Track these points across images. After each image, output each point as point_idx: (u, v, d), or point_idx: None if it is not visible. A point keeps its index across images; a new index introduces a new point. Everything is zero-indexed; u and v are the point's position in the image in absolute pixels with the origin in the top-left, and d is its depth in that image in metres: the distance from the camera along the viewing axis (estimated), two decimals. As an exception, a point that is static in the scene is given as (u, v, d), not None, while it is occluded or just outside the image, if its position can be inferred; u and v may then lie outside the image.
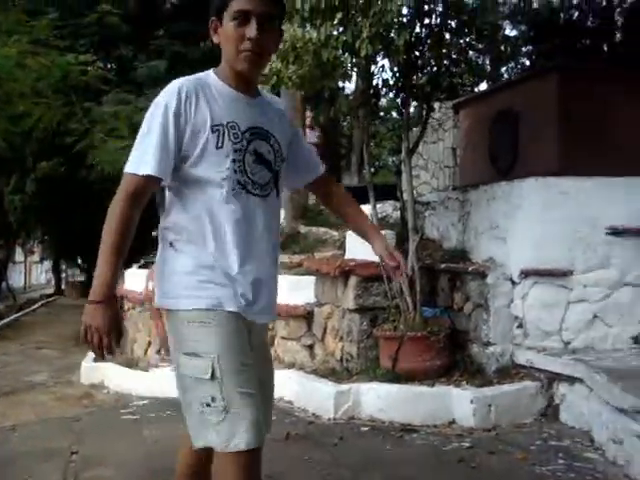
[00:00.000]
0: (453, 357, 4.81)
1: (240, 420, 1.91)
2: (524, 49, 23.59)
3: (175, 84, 2.04)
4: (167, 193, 2.13)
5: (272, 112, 2.21)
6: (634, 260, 4.60)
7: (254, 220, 2.10)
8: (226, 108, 2.06)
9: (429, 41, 5.24)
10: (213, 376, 1.93)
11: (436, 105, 7.55)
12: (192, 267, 2.03)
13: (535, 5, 24.34)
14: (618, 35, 24.27)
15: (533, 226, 4.65)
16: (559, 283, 4.56)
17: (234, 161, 2.03)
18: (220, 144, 2.01)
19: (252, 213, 2.09)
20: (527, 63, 22.55)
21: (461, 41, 5.49)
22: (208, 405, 1.93)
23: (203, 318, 1.99)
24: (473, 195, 5.34)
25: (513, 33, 24.10)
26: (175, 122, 1.98)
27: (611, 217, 4.59)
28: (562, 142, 4.88)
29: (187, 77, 2.08)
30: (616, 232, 4.58)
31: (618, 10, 24.26)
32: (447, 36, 5.37)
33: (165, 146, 1.98)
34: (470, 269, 4.88)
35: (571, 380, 4.20)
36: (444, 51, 5.32)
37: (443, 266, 5.22)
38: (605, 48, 23.95)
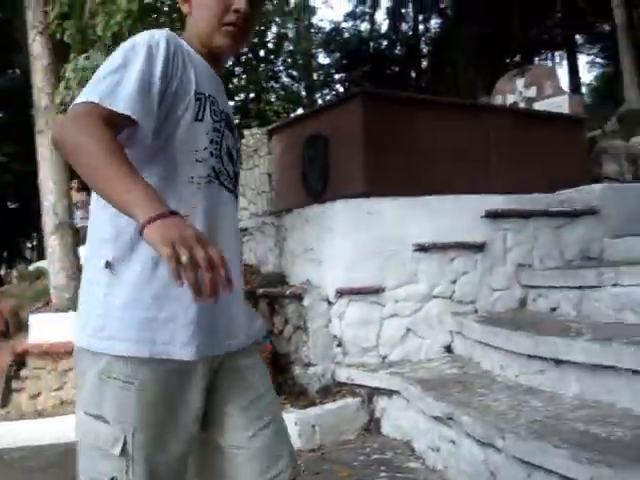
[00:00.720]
0: (276, 381, 4.81)
1: None
2: (337, 76, 24.64)
3: (159, 32, 1.59)
4: None
5: None
6: (440, 274, 4.84)
7: (224, 219, 1.66)
8: (205, 80, 1.65)
9: (238, 69, 5.27)
10: (123, 452, 1.47)
11: (252, 131, 7.63)
12: (135, 298, 1.48)
13: (346, 35, 25.48)
14: (424, 63, 25.94)
15: (345, 247, 4.78)
16: (372, 300, 4.71)
17: (212, 142, 1.62)
18: (200, 116, 1.59)
19: (223, 210, 1.65)
20: (341, 90, 23.55)
21: (275, 69, 5.57)
22: None
23: (129, 375, 1.48)
24: (288, 219, 5.41)
25: (326, 61, 25.12)
26: (163, 71, 1.52)
27: (417, 234, 4.81)
28: (368, 165, 5.06)
29: (163, 30, 1.64)
30: (423, 248, 4.80)
31: (423, 39, 25.95)
32: (257, 64, 5.42)
33: (147, 89, 1.49)
34: (287, 292, 4.93)
35: (389, 393, 4.33)
36: (254, 79, 5.36)
37: (262, 291, 5.25)
38: (413, 75, 25.46)
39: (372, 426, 4.46)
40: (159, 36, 1.56)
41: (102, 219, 1.55)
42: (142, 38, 1.55)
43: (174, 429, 1.55)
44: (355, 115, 5.25)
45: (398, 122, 5.29)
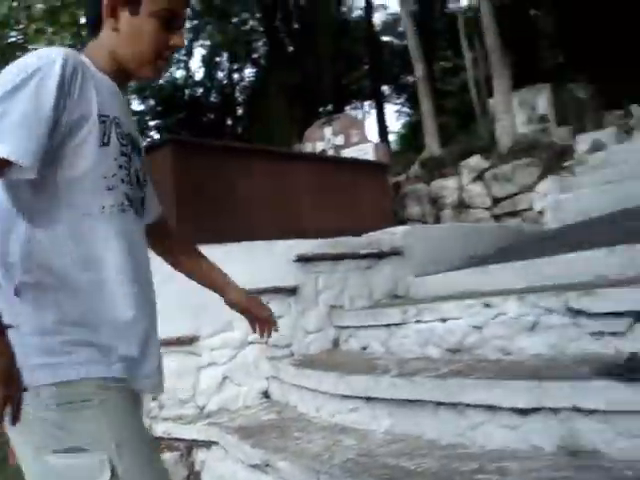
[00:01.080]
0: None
1: None
2: (152, 123, 24.43)
3: (56, 51, 1.43)
4: (7, 205, 1.45)
5: None
6: (255, 319, 4.85)
7: (140, 249, 1.62)
8: (109, 101, 1.53)
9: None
10: (113, 476, 1.34)
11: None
12: (52, 323, 1.38)
13: (160, 81, 25.38)
14: (240, 111, 26.34)
15: (159, 297, 4.66)
16: (188, 350, 4.62)
17: (120, 167, 1.52)
18: (106, 140, 1.47)
19: (138, 239, 1.61)
20: (156, 137, 23.36)
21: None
22: None
23: (82, 394, 1.37)
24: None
25: (141, 107, 24.85)
26: (57, 96, 1.37)
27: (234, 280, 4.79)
28: (179, 213, 5.04)
29: (61, 48, 1.48)
30: (237, 294, 4.79)
31: (238, 88, 26.40)
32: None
33: (36, 121, 1.34)
34: (99, 347, 4.73)
35: (208, 444, 4.25)
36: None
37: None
38: (229, 122, 25.74)
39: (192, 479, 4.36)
40: (55, 55, 1.42)
41: (7, 237, 1.45)
42: (35, 59, 1.41)
43: (149, 440, 1.51)
44: (165, 163, 5.21)
45: (211, 170, 5.32)
